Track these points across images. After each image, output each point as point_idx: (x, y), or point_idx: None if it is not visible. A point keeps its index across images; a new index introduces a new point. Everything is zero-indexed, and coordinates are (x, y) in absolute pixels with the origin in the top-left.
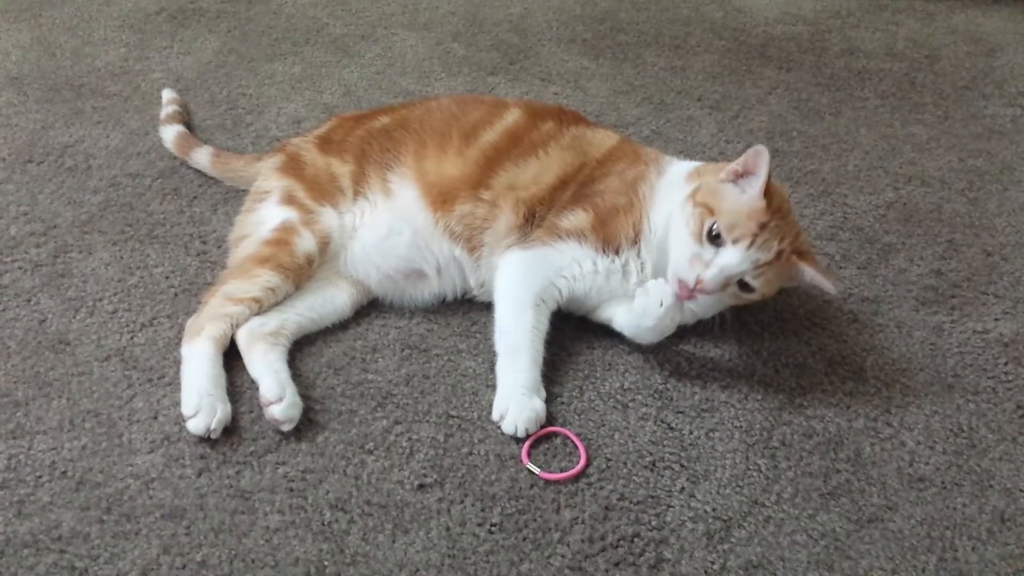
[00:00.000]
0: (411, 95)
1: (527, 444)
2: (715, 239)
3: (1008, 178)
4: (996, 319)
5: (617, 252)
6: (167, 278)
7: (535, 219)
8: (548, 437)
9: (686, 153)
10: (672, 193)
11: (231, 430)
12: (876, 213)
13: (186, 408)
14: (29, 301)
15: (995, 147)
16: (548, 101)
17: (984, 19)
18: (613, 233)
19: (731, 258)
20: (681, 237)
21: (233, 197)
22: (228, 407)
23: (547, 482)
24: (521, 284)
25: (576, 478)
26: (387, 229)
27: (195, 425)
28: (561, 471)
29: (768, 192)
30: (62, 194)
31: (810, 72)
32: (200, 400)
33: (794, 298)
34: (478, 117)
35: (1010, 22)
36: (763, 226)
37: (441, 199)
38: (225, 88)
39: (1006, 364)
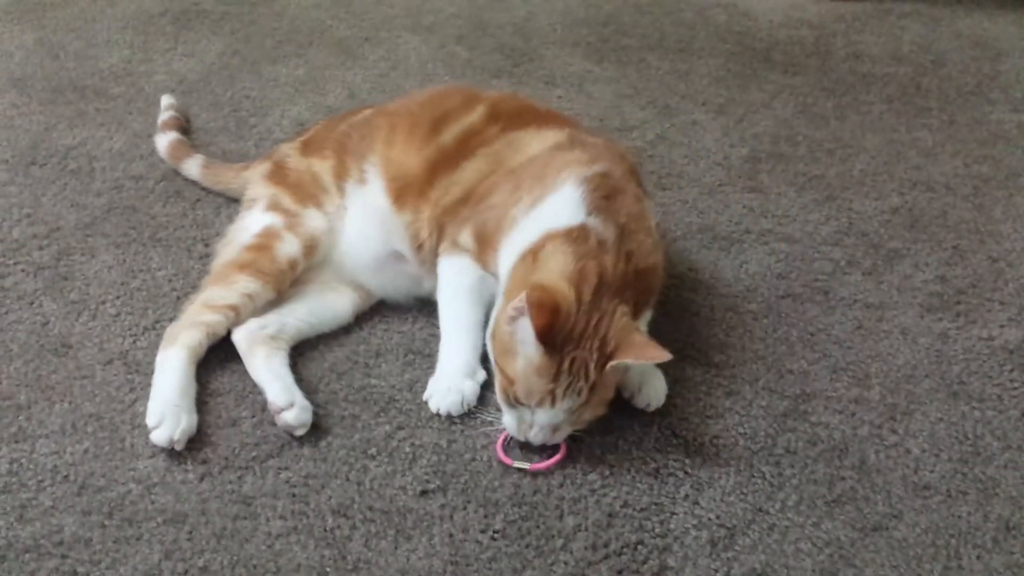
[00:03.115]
0: None
1: (500, 444)
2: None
3: (1014, 184)
4: (1002, 326)
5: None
6: (170, 281)
7: (441, 232)
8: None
9: (691, 158)
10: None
11: (233, 435)
12: (881, 218)
13: (150, 419)
14: (32, 304)
15: (1001, 152)
16: (551, 105)
17: (990, 24)
18: (486, 259)
19: (546, 417)
20: (499, 391)
21: (237, 200)
22: (194, 417)
23: (535, 472)
24: (454, 279)
25: (560, 465)
26: (362, 219)
27: (158, 436)
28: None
29: (548, 328)
30: (65, 197)
31: (815, 76)
32: (165, 410)
33: (798, 303)
34: (449, 108)
35: (1016, 27)
36: (556, 376)
37: (396, 194)
38: (228, 90)
39: (1012, 371)
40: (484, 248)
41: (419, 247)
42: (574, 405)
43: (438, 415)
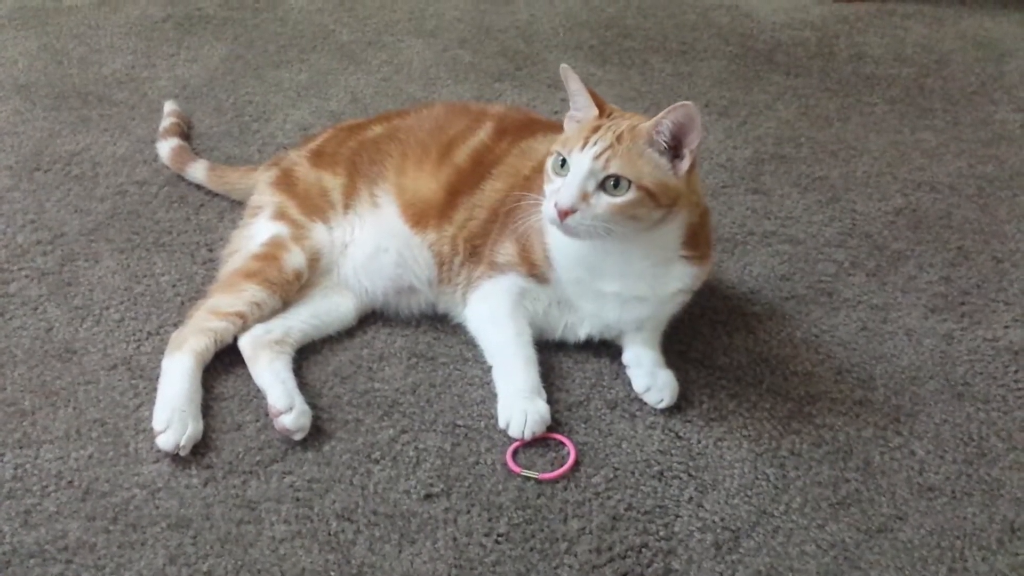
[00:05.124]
0: (417, 102)
1: (510, 453)
2: (563, 165)
3: (1018, 184)
4: (1006, 327)
5: (543, 280)
6: (174, 286)
7: (475, 254)
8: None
9: None
10: None
11: (237, 439)
12: (885, 220)
13: (156, 423)
14: (36, 310)
15: (1004, 153)
16: (555, 108)
17: (993, 24)
18: (532, 260)
19: (574, 165)
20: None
21: (240, 205)
22: (200, 424)
23: (545, 482)
24: (491, 306)
25: (573, 470)
26: (374, 247)
27: (164, 441)
28: (554, 469)
29: (603, 105)
30: (69, 202)
31: (818, 78)
32: (172, 416)
33: (802, 305)
34: (456, 132)
35: (1019, 27)
36: (596, 128)
37: (415, 219)
38: (232, 95)
39: (1016, 372)
40: (528, 250)
41: (441, 265)
42: (600, 149)
43: (504, 427)
